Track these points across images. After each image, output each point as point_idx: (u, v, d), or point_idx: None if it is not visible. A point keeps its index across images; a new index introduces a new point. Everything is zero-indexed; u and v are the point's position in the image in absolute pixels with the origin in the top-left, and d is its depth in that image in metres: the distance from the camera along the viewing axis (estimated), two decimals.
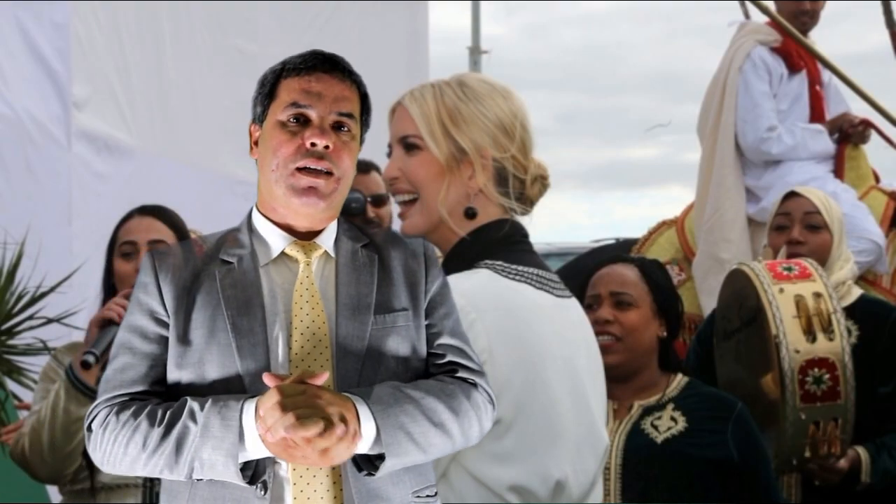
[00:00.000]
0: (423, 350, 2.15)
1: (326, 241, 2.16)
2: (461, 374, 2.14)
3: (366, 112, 2.21)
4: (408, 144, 2.61)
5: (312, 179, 2.09)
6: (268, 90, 2.17)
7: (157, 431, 2.00)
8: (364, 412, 1.99)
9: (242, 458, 1.99)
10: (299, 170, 2.09)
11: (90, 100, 5.61)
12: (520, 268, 2.56)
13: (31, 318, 4.20)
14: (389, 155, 2.67)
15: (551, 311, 2.57)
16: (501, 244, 2.59)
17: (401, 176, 2.63)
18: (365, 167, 4.63)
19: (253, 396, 2.00)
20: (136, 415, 2.03)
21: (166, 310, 2.09)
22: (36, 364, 4.02)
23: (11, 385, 4.19)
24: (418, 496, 2.12)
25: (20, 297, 4.22)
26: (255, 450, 1.99)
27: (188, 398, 2.02)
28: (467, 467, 2.43)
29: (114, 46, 5.80)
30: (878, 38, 5.67)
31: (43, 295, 4.22)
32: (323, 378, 1.97)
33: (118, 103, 5.83)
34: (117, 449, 2.03)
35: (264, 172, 2.14)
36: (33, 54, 5.40)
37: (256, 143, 2.19)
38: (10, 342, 4.20)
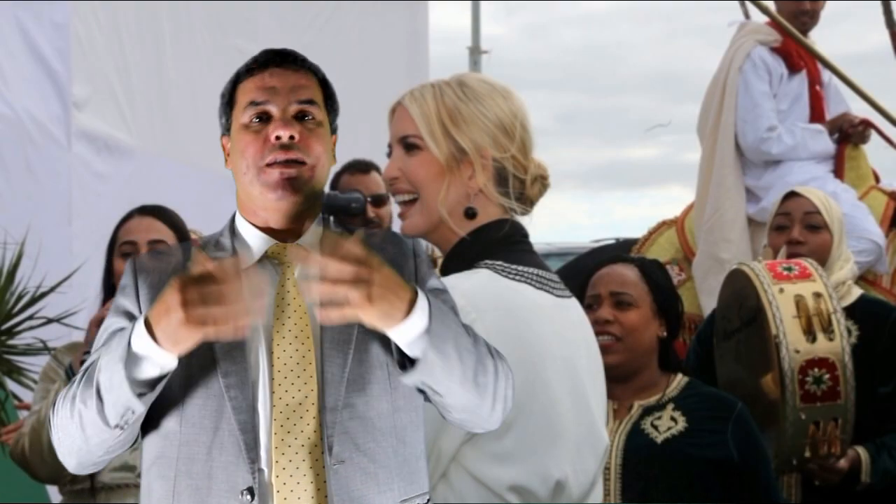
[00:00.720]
0: None
1: (308, 242, 2.11)
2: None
3: (329, 98, 2.17)
4: (408, 144, 2.61)
5: (284, 170, 2.05)
6: (227, 99, 2.14)
7: (79, 377, 1.96)
8: (420, 298, 1.90)
9: (137, 371, 1.87)
10: (269, 165, 2.06)
11: (90, 100, 5.62)
12: (520, 268, 2.56)
13: (31, 318, 4.21)
14: (389, 155, 2.66)
15: (551, 311, 2.57)
16: (501, 244, 2.59)
17: (401, 176, 2.63)
18: (365, 167, 4.64)
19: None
20: (77, 381, 1.97)
21: (140, 311, 2.04)
22: (36, 364, 4.02)
23: (11, 385, 4.20)
24: None
25: (20, 297, 4.22)
26: (143, 347, 1.87)
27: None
28: (467, 467, 2.43)
29: (114, 46, 5.80)
30: (878, 38, 5.68)
31: (43, 295, 4.22)
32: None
33: (118, 103, 5.83)
34: (64, 413, 1.96)
35: (238, 178, 2.10)
36: (33, 54, 5.41)
37: (230, 155, 2.16)
38: (10, 342, 4.20)
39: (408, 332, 1.91)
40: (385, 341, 2.02)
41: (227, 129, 2.15)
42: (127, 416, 1.91)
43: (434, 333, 1.91)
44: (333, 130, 2.18)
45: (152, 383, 1.91)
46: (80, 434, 1.95)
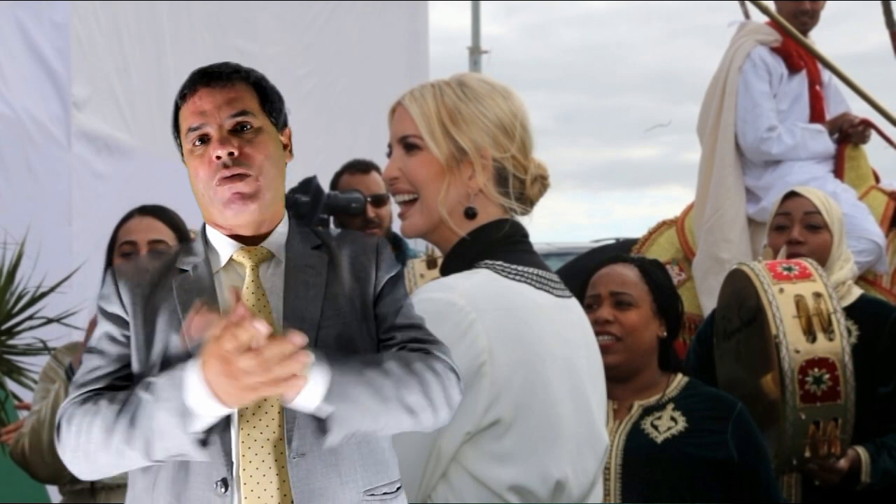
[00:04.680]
0: (373, 345, 2.15)
1: (274, 243, 2.19)
2: (413, 346, 2.12)
3: (266, 99, 2.22)
4: (408, 144, 2.61)
5: (232, 185, 2.12)
6: (174, 127, 2.22)
7: (114, 408, 2.03)
8: (313, 359, 1.97)
9: (199, 422, 1.98)
10: (219, 184, 2.13)
11: (90, 100, 5.62)
12: (520, 268, 2.56)
13: (31, 318, 4.20)
14: (389, 155, 2.67)
15: (551, 311, 2.57)
16: (501, 244, 2.59)
17: (401, 176, 2.63)
18: (365, 167, 4.64)
19: None
20: (97, 401, 2.06)
21: (127, 314, 2.14)
22: (36, 364, 4.02)
23: (11, 385, 4.19)
24: (372, 495, 2.10)
25: (20, 297, 4.22)
26: (202, 405, 1.97)
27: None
28: (467, 467, 2.43)
29: (114, 46, 5.81)
30: (878, 38, 5.68)
31: (43, 295, 4.22)
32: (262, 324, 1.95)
33: (118, 103, 5.84)
34: (81, 438, 2.04)
35: (199, 200, 2.18)
36: (33, 54, 5.41)
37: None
38: (10, 342, 4.20)
39: (311, 398, 1.98)
40: (347, 340, 2.11)
41: (182, 155, 2.23)
42: (177, 456, 2.03)
43: (337, 388, 1.98)
44: (283, 125, 2.24)
45: (207, 429, 2.02)
46: (112, 462, 2.05)
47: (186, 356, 2.04)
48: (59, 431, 2.09)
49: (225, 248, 2.18)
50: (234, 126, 2.15)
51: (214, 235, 2.20)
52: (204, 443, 2.01)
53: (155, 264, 2.18)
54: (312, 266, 2.16)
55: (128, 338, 2.13)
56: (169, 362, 2.08)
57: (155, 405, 1.99)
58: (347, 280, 2.16)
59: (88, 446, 2.04)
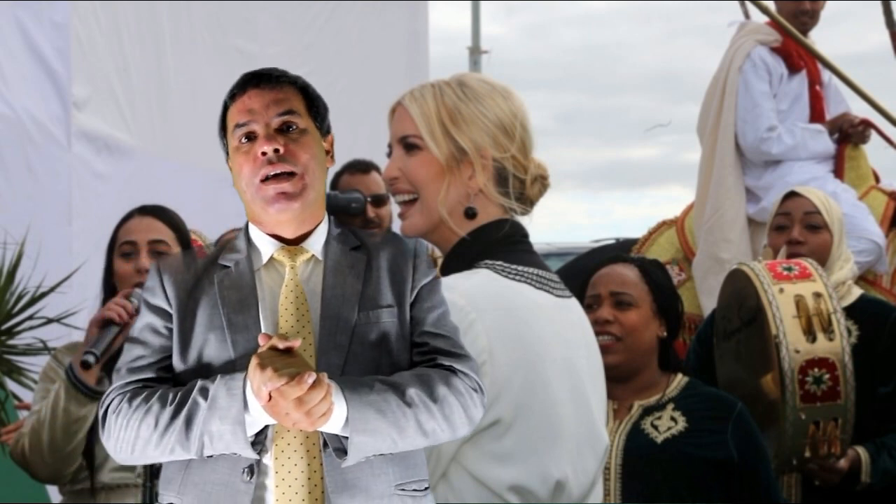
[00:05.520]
0: (407, 346, 2.20)
1: (314, 244, 2.24)
2: (441, 360, 2.17)
3: (312, 104, 2.28)
4: (408, 144, 2.62)
5: (277, 185, 2.18)
6: (221, 126, 2.28)
7: (168, 410, 2.10)
8: (335, 389, 2.05)
9: (250, 429, 2.08)
10: (264, 182, 2.19)
11: (90, 100, 5.62)
12: (520, 268, 2.56)
13: (31, 318, 4.20)
14: (389, 155, 2.67)
15: (551, 311, 2.57)
16: (501, 244, 2.59)
17: (401, 176, 2.63)
18: (365, 167, 4.64)
19: None
20: (147, 398, 2.13)
21: (171, 307, 2.20)
22: (36, 364, 4.01)
23: (11, 385, 4.19)
24: (403, 490, 2.15)
25: (20, 297, 4.22)
26: (259, 416, 2.07)
27: (198, 380, 2.12)
28: (467, 467, 2.43)
29: (114, 46, 5.80)
30: (878, 38, 5.68)
31: (43, 295, 4.22)
32: (296, 343, 2.04)
33: (118, 103, 5.83)
34: (130, 432, 2.12)
35: (242, 196, 2.24)
36: (33, 54, 5.40)
37: (234, 177, 2.29)
38: (10, 342, 4.20)
39: (332, 427, 2.07)
40: (381, 341, 2.17)
41: (227, 154, 2.28)
42: (228, 453, 2.11)
43: (354, 420, 2.06)
44: (326, 132, 2.30)
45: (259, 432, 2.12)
46: (159, 455, 2.14)
47: (226, 351, 2.14)
48: (105, 420, 2.16)
49: (266, 246, 2.24)
50: (281, 125, 2.21)
51: (256, 234, 2.25)
52: (255, 444, 2.09)
53: (199, 259, 2.25)
54: (351, 267, 2.22)
55: (170, 330, 2.20)
56: (209, 355, 2.16)
57: (210, 412, 2.08)
58: (385, 282, 2.21)
59: (137, 441, 2.11)
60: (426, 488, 2.20)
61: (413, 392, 2.10)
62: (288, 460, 2.11)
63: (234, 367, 2.13)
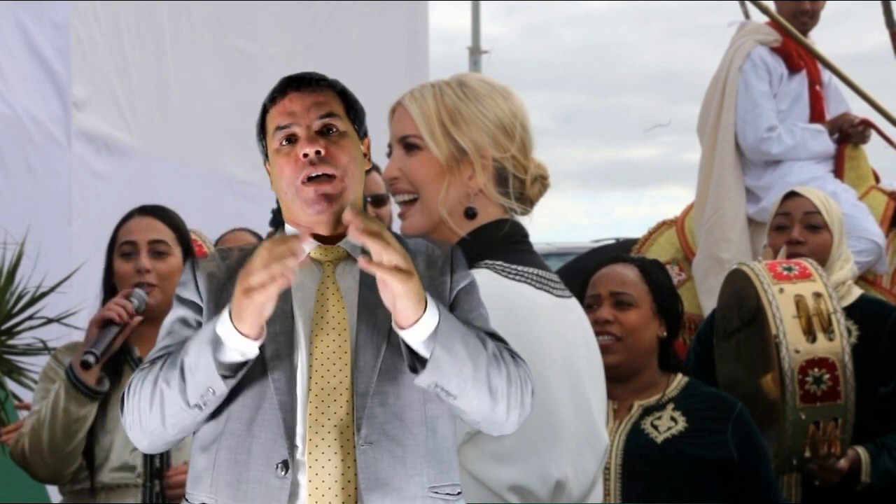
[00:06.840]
0: None
1: (350, 243, 2.24)
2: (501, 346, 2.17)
3: (351, 107, 2.30)
4: (408, 144, 2.62)
5: (318, 187, 2.20)
6: (260, 128, 2.31)
7: (170, 360, 2.12)
8: (430, 302, 2.05)
9: (222, 354, 2.06)
10: (305, 183, 2.21)
11: (90, 100, 5.61)
12: (520, 268, 2.56)
13: (31, 318, 4.20)
14: (389, 155, 2.67)
15: (551, 311, 2.57)
16: (501, 244, 2.59)
17: (401, 176, 2.63)
18: None
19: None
20: (154, 363, 2.15)
21: (202, 300, 2.23)
22: (36, 364, 4.01)
23: (11, 385, 4.19)
24: (436, 492, 2.15)
25: (20, 297, 4.21)
26: (228, 333, 2.06)
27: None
28: (467, 467, 2.43)
29: (114, 46, 5.80)
30: (878, 38, 5.68)
31: (43, 295, 4.22)
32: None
33: (118, 103, 5.83)
34: (144, 395, 2.12)
35: (282, 198, 2.27)
36: (33, 54, 5.40)
37: (272, 179, 2.32)
38: (10, 342, 4.20)
39: (420, 332, 2.06)
40: None
41: (266, 156, 2.31)
42: (207, 396, 2.09)
43: (442, 333, 2.06)
44: (364, 135, 2.32)
45: (235, 368, 2.10)
46: (159, 414, 2.12)
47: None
48: (122, 403, 2.17)
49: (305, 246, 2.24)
50: (322, 127, 2.24)
51: (293, 233, 2.25)
52: (230, 379, 2.08)
53: (234, 256, 2.27)
54: None
55: (199, 323, 2.21)
56: None
57: (192, 342, 2.10)
58: (421, 279, 2.19)
59: (139, 402, 2.12)
60: (459, 493, 2.20)
61: (490, 346, 2.12)
62: (322, 455, 2.10)
63: (265, 366, 2.14)
